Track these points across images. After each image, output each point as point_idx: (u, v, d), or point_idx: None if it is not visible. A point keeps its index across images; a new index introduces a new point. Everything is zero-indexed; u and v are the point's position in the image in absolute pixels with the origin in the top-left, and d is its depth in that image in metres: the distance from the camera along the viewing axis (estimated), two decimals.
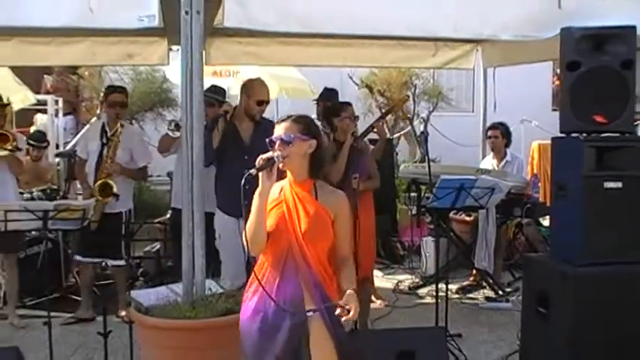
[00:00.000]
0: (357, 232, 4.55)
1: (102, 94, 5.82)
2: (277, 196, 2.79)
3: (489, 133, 6.76)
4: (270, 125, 4.95)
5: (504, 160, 6.70)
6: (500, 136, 6.68)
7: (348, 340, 2.75)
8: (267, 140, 2.79)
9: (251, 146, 4.57)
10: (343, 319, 2.62)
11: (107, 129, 5.49)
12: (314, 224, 2.75)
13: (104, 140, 5.45)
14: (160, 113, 9.72)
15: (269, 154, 2.69)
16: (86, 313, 5.57)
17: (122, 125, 5.46)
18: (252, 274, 2.82)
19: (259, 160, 2.66)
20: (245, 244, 2.70)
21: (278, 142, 2.75)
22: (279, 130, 2.79)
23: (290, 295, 2.73)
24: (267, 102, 4.78)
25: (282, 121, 2.83)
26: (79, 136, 7.46)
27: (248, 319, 2.80)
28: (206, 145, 3.83)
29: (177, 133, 5.19)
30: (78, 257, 5.58)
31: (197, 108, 3.63)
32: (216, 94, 5.77)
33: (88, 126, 7.39)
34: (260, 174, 2.65)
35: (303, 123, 2.82)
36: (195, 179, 3.67)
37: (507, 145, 6.77)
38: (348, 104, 5.19)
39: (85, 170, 5.58)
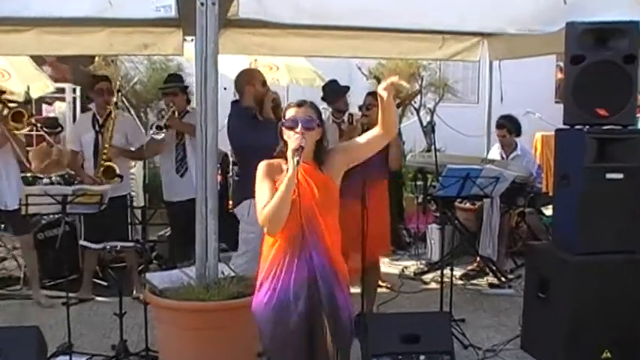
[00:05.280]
0: (366, 219, 4.59)
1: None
2: (284, 175, 2.81)
3: (497, 132, 6.71)
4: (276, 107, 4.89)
5: (514, 154, 6.64)
6: (507, 134, 6.58)
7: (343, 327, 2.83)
8: (286, 120, 2.85)
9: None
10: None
11: (98, 117, 5.57)
12: (326, 194, 2.82)
13: (97, 128, 5.54)
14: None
15: (299, 142, 2.76)
16: (88, 294, 5.67)
17: (113, 112, 5.54)
18: (267, 259, 2.86)
19: (296, 148, 2.74)
20: (265, 225, 2.75)
21: (301, 126, 2.81)
22: (298, 113, 2.85)
23: (306, 274, 2.78)
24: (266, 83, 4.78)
25: (299, 105, 2.89)
26: (68, 129, 7.45)
27: (265, 302, 2.81)
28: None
29: (162, 135, 5.32)
30: (84, 242, 5.60)
31: (212, 97, 3.66)
32: (175, 82, 5.83)
33: (78, 119, 7.42)
34: (291, 159, 2.71)
35: (317, 110, 2.92)
36: (209, 166, 3.71)
37: (518, 135, 6.68)
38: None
39: (78, 161, 5.66)
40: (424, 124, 10.04)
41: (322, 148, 2.90)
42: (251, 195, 4.65)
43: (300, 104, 2.90)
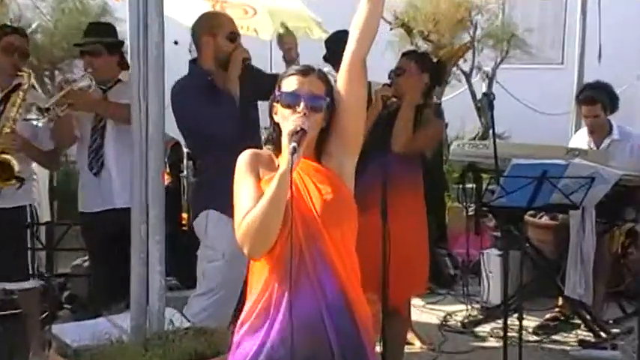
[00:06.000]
0: (387, 244, 4.60)
1: None
2: (274, 175, 2.84)
3: (583, 111, 6.72)
4: (258, 71, 4.94)
5: (609, 139, 6.65)
6: (601, 112, 6.59)
7: None
8: (282, 93, 2.89)
9: (242, 109, 4.67)
10: None
11: None
12: (335, 200, 2.85)
13: None
14: None
15: (299, 122, 2.79)
16: None
17: (26, 82, 5.45)
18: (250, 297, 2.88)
19: (295, 130, 2.76)
20: (245, 244, 2.78)
21: (304, 104, 2.84)
22: (302, 85, 2.89)
23: (308, 314, 2.79)
24: (239, 35, 4.85)
25: (304, 73, 2.93)
26: None
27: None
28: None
29: (43, 120, 5.17)
30: None
31: (154, 58, 3.68)
32: (99, 35, 5.76)
33: None
34: (287, 146, 2.75)
35: (328, 82, 2.95)
36: (152, 162, 3.72)
37: (613, 111, 6.71)
38: None
39: None
40: (478, 96, 10.05)
41: (327, 140, 2.95)
42: (213, 204, 4.73)
43: (306, 72, 2.93)
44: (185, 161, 7.55)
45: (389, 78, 5.23)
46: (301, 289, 2.78)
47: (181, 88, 4.70)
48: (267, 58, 7.69)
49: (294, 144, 2.71)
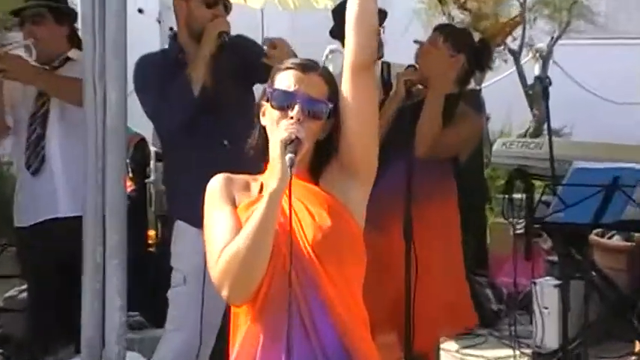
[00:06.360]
0: (412, 271, 4.60)
1: None
2: (257, 198, 2.88)
3: None
4: (246, 47, 4.95)
5: None
6: None
7: None
8: (275, 90, 2.90)
9: (214, 94, 4.73)
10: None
11: None
12: (332, 231, 2.85)
13: None
14: None
15: (293, 130, 2.78)
16: None
17: None
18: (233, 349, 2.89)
19: (288, 139, 2.75)
20: (224, 286, 2.78)
21: (299, 108, 2.83)
22: (300, 84, 2.89)
23: None
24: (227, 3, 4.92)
25: (304, 69, 2.94)
26: None
27: None
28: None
29: None
30: None
31: (113, 31, 3.71)
32: None
33: None
34: (280, 157, 2.74)
35: (332, 84, 2.96)
36: (111, 168, 3.74)
37: None
38: None
39: None
40: (529, 80, 10.06)
41: (326, 155, 2.97)
42: (178, 213, 4.75)
43: (306, 67, 2.95)
44: (153, 163, 7.55)
45: (416, 58, 5.22)
46: (295, 342, 2.79)
47: (142, 63, 4.77)
48: (257, 28, 7.67)
49: (290, 155, 2.71)
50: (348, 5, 2.88)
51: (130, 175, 7.00)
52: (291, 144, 2.74)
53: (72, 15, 5.58)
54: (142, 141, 7.34)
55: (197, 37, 4.72)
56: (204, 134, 4.57)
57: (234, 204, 2.88)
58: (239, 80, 4.73)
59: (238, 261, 2.74)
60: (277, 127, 2.83)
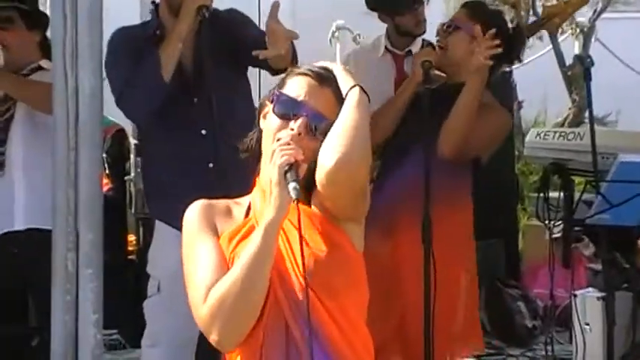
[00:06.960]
0: (432, 282, 4.57)
1: None
2: (242, 224, 2.98)
3: None
4: (237, 22, 4.96)
5: None
6: None
7: None
8: (280, 95, 2.96)
9: (194, 77, 4.80)
10: None
11: None
12: (329, 258, 2.92)
13: None
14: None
15: (290, 153, 2.80)
16: None
17: None
18: None
19: (288, 164, 2.78)
20: (212, 330, 2.86)
21: (303, 121, 2.87)
22: (310, 94, 2.94)
23: None
24: None
25: (319, 79, 2.96)
26: None
27: None
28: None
29: None
30: None
31: (86, 7, 3.75)
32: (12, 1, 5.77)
33: None
34: (277, 184, 2.79)
35: (338, 95, 2.95)
36: (85, 163, 3.75)
37: None
38: None
39: None
40: (568, 61, 10.05)
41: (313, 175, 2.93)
42: (156, 211, 4.74)
43: (323, 79, 2.97)
44: (132, 157, 7.54)
45: (437, 36, 5.18)
46: None
47: (116, 36, 4.88)
48: (254, 7, 7.67)
49: (294, 184, 2.73)
50: (339, 118, 2.89)
51: (107, 171, 7.00)
52: (290, 170, 2.77)
53: (44, 21, 5.59)
54: (120, 132, 7.35)
55: (176, 12, 4.77)
56: (182, 123, 4.57)
57: (216, 233, 2.93)
58: (226, 61, 4.71)
59: (230, 302, 2.81)
60: (273, 140, 2.85)
